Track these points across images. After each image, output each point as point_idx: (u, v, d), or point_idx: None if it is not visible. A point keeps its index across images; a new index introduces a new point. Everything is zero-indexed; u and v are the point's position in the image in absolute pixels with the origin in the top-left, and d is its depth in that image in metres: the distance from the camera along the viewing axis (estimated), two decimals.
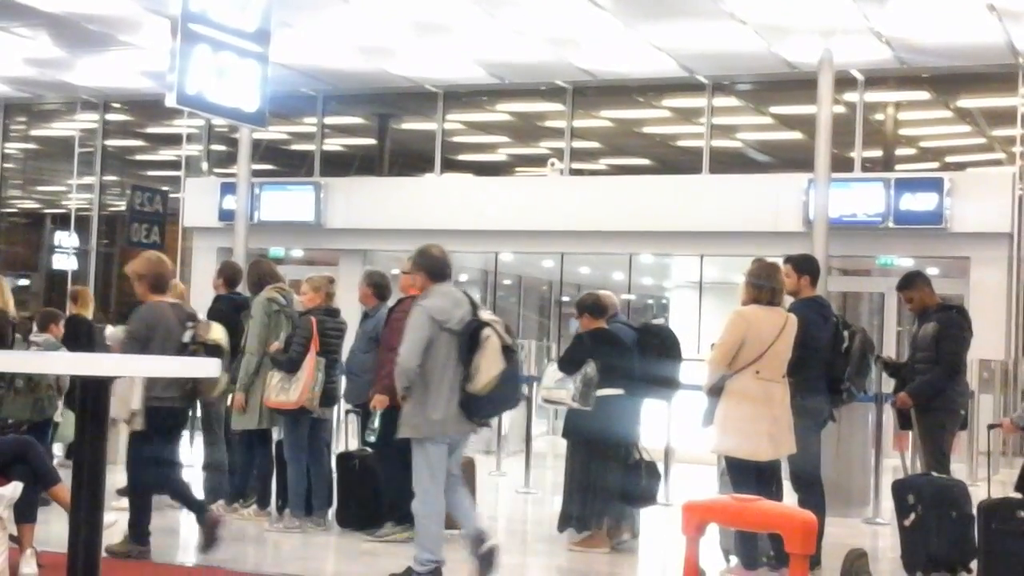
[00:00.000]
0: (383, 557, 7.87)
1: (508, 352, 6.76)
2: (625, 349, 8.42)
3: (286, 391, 8.47)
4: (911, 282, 8.83)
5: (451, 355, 6.70)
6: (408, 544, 7.68)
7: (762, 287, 7.33)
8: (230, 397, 9.00)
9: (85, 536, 4.75)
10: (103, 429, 4.89)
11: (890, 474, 9.96)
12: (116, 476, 9.21)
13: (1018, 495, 7.20)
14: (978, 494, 7.70)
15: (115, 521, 7.35)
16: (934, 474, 7.85)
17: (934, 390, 8.47)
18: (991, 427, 8.20)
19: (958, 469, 13.43)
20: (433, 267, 6.97)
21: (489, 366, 6.65)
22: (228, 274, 9.64)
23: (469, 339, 6.68)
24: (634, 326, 9.01)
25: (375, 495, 8.53)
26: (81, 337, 10.77)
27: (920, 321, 8.74)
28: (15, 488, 6.29)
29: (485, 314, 6.90)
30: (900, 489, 7.63)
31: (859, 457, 10.63)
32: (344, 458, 8.98)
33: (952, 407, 8.60)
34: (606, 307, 8.55)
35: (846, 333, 7.78)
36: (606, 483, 8.21)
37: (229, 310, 9.19)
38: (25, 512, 6.48)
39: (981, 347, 15.39)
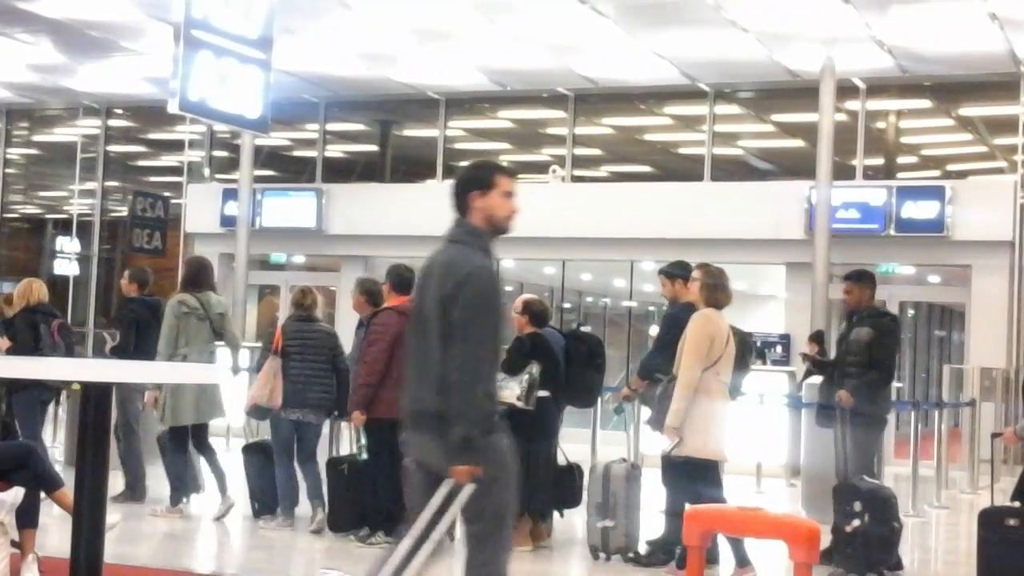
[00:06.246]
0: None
1: None
2: (555, 355, 8.54)
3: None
4: (861, 277, 8.66)
5: None
6: None
7: (719, 290, 7.44)
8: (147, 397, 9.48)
9: (87, 541, 4.75)
10: (105, 435, 4.89)
11: (890, 481, 9.94)
12: (116, 481, 9.24)
13: (1013, 504, 7.21)
14: (979, 502, 7.70)
15: (117, 522, 7.31)
16: (873, 480, 7.94)
17: (872, 395, 8.45)
18: (994, 436, 8.20)
19: (959, 477, 13.46)
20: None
21: None
22: (139, 278, 10.21)
23: None
24: (563, 332, 9.11)
25: (365, 499, 8.54)
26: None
27: (850, 321, 8.69)
28: (17, 493, 6.29)
29: None
30: (845, 494, 7.64)
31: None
32: (333, 463, 9.01)
33: (880, 413, 8.62)
34: (549, 315, 8.78)
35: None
36: (536, 483, 8.30)
37: (141, 311, 9.86)
38: (27, 517, 6.47)
39: (982, 355, 15.48)
